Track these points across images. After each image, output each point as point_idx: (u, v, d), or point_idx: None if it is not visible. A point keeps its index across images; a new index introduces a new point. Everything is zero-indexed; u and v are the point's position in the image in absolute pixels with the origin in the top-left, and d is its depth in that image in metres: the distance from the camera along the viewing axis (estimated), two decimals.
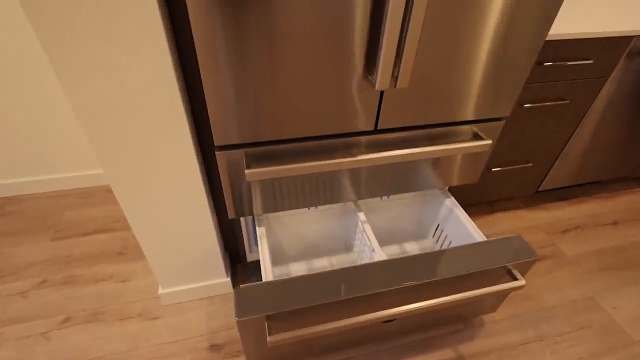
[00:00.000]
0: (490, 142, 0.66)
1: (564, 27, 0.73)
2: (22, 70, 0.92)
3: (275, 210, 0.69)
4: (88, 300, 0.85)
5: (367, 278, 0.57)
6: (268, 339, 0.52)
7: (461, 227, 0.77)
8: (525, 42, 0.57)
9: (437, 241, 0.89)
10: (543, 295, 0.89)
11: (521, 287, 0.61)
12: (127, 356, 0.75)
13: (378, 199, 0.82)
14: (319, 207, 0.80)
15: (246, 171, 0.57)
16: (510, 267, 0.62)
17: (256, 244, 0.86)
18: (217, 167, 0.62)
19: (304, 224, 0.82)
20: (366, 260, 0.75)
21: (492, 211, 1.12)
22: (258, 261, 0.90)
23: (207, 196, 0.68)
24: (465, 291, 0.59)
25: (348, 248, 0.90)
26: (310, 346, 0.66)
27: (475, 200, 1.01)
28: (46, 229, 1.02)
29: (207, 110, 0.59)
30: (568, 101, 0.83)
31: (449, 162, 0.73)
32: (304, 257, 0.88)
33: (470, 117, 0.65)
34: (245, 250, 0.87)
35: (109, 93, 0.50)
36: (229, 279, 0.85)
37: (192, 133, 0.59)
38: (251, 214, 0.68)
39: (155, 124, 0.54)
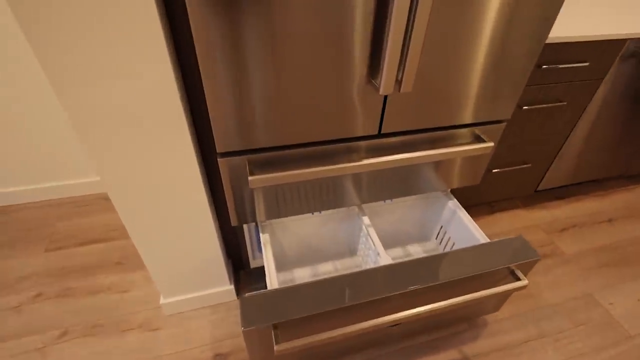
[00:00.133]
0: (492, 144, 0.67)
1: (560, 30, 0.74)
2: (10, 75, 0.89)
3: (279, 216, 0.68)
4: (86, 313, 0.82)
5: (372, 283, 0.57)
6: (275, 348, 0.51)
7: (464, 229, 0.77)
8: (526, 45, 0.58)
9: (440, 243, 0.90)
10: (543, 293, 0.91)
11: (524, 287, 0.62)
12: None
13: (381, 202, 0.82)
14: (323, 212, 0.79)
15: (250, 178, 0.56)
16: (513, 268, 0.63)
17: (259, 250, 0.85)
18: (219, 173, 0.61)
19: (307, 228, 0.81)
20: (371, 264, 0.75)
21: (492, 211, 1.14)
22: (262, 267, 0.88)
23: (209, 203, 0.67)
24: (469, 293, 0.59)
25: (352, 252, 0.90)
26: (315, 353, 0.66)
27: (476, 201, 1.02)
28: (40, 240, 0.99)
29: (208, 117, 0.58)
30: (565, 103, 0.85)
31: (451, 164, 0.73)
32: (308, 262, 0.88)
33: (472, 120, 0.66)
34: (248, 257, 0.85)
35: (106, 101, 0.48)
36: (232, 287, 0.84)
37: (193, 139, 0.57)
38: (254, 221, 0.67)
39: (154, 130, 0.53)
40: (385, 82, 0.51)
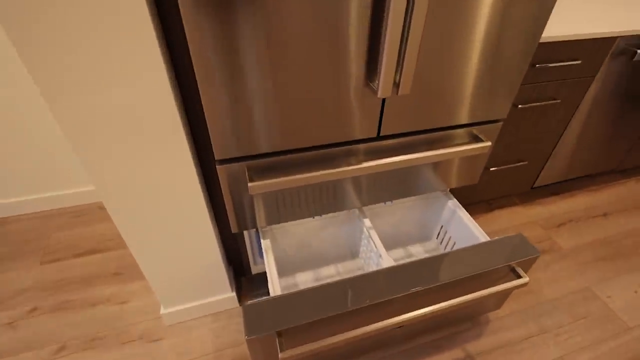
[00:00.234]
0: (489, 143, 0.67)
1: (552, 28, 0.75)
2: (10, 74, 0.86)
3: (279, 221, 0.68)
4: (84, 326, 0.81)
5: (375, 286, 0.57)
6: (280, 355, 0.51)
7: (464, 228, 0.78)
8: (520, 44, 0.59)
9: (441, 242, 0.90)
10: (543, 289, 0.92)
11: (525, 284, 0.62)
12: None
13: (382, 203, 0.82)
14: (323, 215, 0.79)
15: (249, 184, 0.55)
16: (514, 266, 0.63)
17: (260, 256, 0.84)
18: (218, 180, 0.60)
19: (308, 232, 0.81)
20: (373, 266, 0.75)
21: (490, 209, 1.15)
22: (263, 273, 0.88)
23: (208, 209, 0.66)
24: (472, 292, 0.59)
25: (354, 254, 0.90)
26: (320, 359, 0.65)
27: (474, 199, 1.03)
28: (34, 252, 0.96)
29: (206, 124, 0.57)
30: (559, 100, 0.86)
31: (450, 164, 0.73)
32: (310, 266, 0.87)
33: (469, 120, 0.66)
34: (249, 263, 0.85)
35: (99, 109, 0.47)
36: (234, 294, 0.83)
37: (190, 147, 0.57)
38: (255, 227, 0.66)
39: (150, 137, 0.52)
40: (383, 85, 0.51)
